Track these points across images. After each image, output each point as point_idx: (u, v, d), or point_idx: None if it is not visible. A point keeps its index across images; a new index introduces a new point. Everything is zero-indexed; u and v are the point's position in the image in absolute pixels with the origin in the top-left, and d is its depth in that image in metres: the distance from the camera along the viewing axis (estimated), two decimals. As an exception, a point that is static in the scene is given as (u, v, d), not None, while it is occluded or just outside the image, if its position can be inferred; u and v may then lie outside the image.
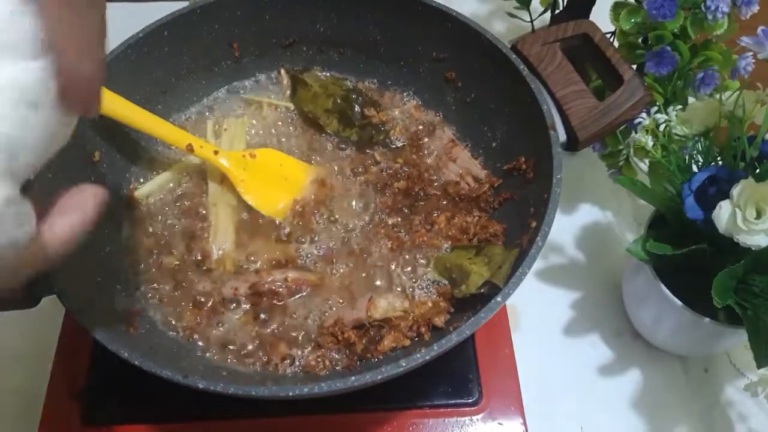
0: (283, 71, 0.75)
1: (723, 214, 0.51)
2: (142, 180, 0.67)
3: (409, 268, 0.62)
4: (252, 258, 0.62)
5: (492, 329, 0.64)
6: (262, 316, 0.59)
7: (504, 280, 0.51)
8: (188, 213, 0.65)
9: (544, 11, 0.79)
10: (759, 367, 0.52)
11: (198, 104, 0.73)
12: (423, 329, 0.57)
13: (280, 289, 0.60)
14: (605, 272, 0.72)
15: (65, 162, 0.57)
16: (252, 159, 0.67)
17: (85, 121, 0.60)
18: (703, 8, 0.62)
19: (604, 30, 0.64)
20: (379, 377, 0.46)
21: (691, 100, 0.67)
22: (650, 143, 0.60)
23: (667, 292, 0.57)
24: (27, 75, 0.29)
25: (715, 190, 0.54)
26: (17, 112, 0.28)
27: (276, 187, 0.66)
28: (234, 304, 0.59)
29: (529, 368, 0.63)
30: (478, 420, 0.60)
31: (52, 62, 0.29)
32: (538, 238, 0.51)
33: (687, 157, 0.59)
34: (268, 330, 0.58)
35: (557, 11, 0.78)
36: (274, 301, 0.60)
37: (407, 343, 0.57)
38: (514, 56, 0.62)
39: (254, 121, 0.72)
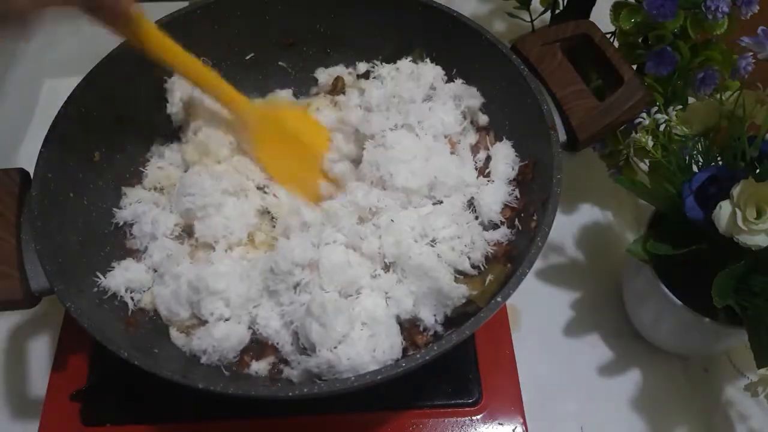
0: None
1: (723, 214, 0.51)
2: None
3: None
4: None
5: (492, 329, 0.64)
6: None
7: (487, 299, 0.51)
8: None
9: (544, 11, 0.79)
10: (759, 367, 0.52)
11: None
12: (423, 329, 0.57)
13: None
14: (605, 272, 0.72)
15: (66, 162, 0.58)
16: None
17: (87, 121, 0.60)
18: (703, 8, 0.61)
19: (604, 30, 0.64)
20: (379, 377, 0.46)
21: (691, 100, 0.67)
22: (650, 143, 0.60)
23: (667, 292, 0.57)
24: None
25: (715, 190, 0.53)
26: None
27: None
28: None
29: (529, 368, 0.63)
30: (478, 420, 0.60)
31: None
32: (538, 238, 0.51)
33: (687, 157, 0.59)
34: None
35: (557, 11, 0.79)
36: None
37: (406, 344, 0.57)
38: (514, 56, 0.62)
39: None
